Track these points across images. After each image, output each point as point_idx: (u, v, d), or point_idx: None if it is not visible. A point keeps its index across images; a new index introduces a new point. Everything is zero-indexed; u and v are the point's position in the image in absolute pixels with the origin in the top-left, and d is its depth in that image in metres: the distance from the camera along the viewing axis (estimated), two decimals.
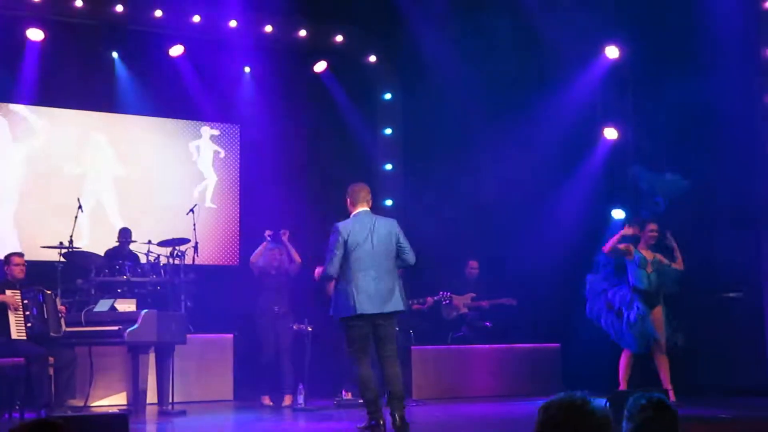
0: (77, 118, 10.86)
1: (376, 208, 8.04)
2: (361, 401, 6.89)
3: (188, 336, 8.58)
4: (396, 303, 6.53)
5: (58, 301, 7.93)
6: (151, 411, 8.04)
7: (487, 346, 10.20)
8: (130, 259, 9.06)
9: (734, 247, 8.98)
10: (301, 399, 8.42)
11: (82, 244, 9.73)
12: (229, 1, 10.74)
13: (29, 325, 7.64)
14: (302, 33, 11.59)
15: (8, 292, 7.66)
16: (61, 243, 8.72)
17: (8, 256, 8.05)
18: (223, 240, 11.40)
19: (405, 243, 6.63)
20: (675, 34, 9.43)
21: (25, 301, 7.68)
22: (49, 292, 7.84)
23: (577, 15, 9.75)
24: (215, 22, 11.01)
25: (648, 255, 8.30)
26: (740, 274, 9.20)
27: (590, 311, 8.62)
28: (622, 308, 8.30)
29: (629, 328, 8.22)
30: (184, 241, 9.36)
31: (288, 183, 11.26)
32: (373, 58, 12.09)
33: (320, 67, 11.68)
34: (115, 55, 10.93)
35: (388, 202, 11.85)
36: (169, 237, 9.36)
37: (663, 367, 8.22)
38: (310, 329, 8.89)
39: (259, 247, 9.28)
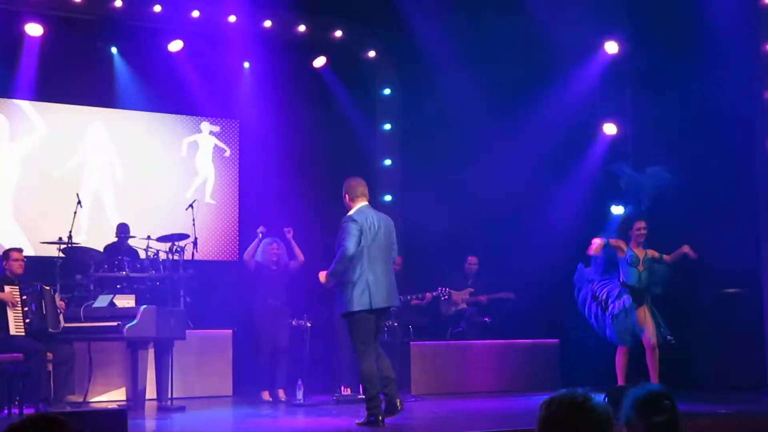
0: (76, 114, 10.85)
1: (375, 204, 8.05)
2: (361, 396, 6.89)
3: (187, 331, 8.57)
4: (396, 297, 6.77)
5: (56, 296, 7.90)
6: (150, 406, 8.02)
7: (486, 341, 10.21)
8: (129, 255, 9.05)
9: (734, 245, 8.96)
10: (299, 395, 8.42)
11: (81, 239, 9.69)
12: None
13: (28, 320, 7.63)
14: (301, 28, 11.57)
15: (7, 288, 7.64)
16: (60, 238, 8.70)
17: (7, 252, 8.05)
18: (222, 236, 11.38)
19: (395, 239, 6.78)
20: (674, 30, 9.42)
21: (24, 297, 7.66)
22: (47, 287, 7.81)
23: (577, 10, 9.73)
24: (214, 17, 10.98)
25: (640, 253, 8.30)
26: (740, 272, 9.18)
27: (577, 297, 8.66)
28: (608, 300, 8.32)
29: (612, 320, 8.26)
30: (183, 236, 9.37)
31: (287, 178, 11.25)
32: (372, 54, 12.07)
33: (319, 62, 11.67)
34: (114, 50, 10.91)
35: (388, 198, 11.85)
36: (169, 233, 9.38)
37: (652, 365, 8.21)
38: (308, 325, 8.91)
39: (252, 244, 9.26)
